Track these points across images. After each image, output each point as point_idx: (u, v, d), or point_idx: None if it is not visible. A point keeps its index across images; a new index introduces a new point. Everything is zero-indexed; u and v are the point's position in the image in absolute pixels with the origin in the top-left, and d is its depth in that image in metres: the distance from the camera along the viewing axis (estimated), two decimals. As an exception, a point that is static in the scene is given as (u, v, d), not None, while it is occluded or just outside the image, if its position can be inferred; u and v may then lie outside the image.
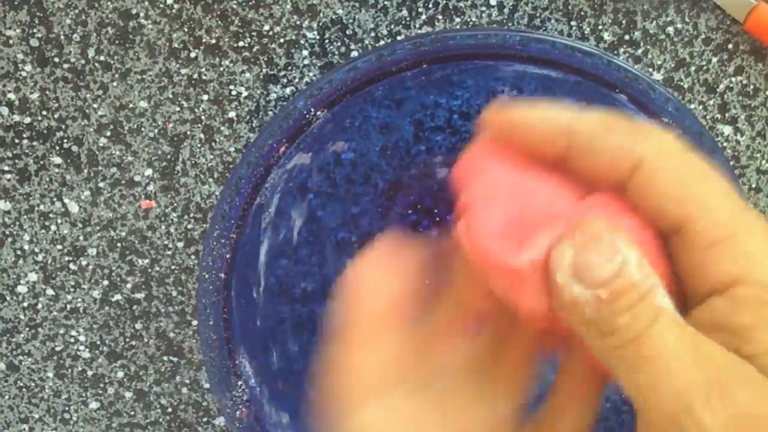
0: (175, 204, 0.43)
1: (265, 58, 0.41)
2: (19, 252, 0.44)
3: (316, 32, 0.41)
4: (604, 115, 0.20)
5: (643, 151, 0.19)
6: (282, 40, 0.41)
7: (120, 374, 0.45)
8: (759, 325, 0.18)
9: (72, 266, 0.44)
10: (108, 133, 0.42)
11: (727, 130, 0.41)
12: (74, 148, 0.42)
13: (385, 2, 0.40)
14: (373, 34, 0.41)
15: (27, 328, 0.45)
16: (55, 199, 0.43)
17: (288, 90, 0.41)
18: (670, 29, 0.40)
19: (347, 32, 0.41)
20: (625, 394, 0.19)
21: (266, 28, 0.41)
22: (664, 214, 0.19)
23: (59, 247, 0.43)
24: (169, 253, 0.43)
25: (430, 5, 0.40)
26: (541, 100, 0.21)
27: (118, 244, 0.43)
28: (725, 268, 0.19)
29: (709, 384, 0.17)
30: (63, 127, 0.42)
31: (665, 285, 0.19)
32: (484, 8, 0.40)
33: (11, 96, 0.41)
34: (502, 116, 0.21)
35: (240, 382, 0.38)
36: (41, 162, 0.42)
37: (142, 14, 0.40)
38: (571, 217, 0.20)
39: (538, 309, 0.20)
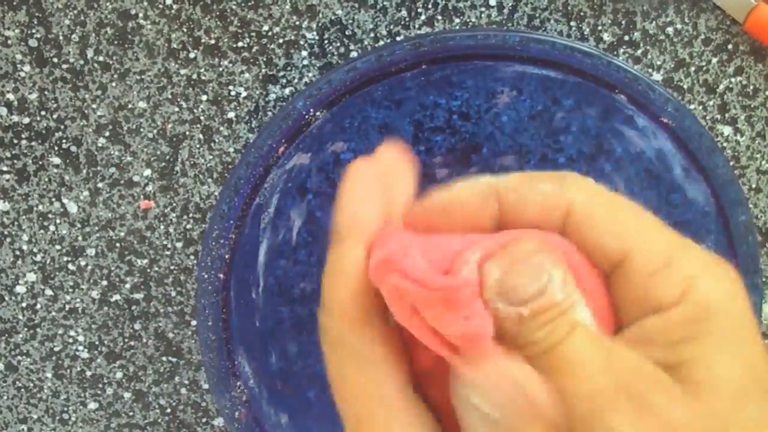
0: (174, 204, 0.43)
1: (265, 59, 0.41)
2: (17, 252, 0.43)
3: (315, 33, 0.41)
4: (520, 173, 0.21)
5: (572, 195, 0.20)
6: (281, 41, 0.41)
7: (119, 375, 0.45)
8: (687, 339, 0.19)
9: (71, 266, 0.44)
10: (107, 134, 0.42)
11: (727, 130, 0.41)
12: (73, 149, 0.42)
13: (385, 3, 0.40)
14: (372, 34, 0.41)
15: (26, 329, 0.45)
16: (53, 200, 0.43)
17: (287, 90, 0.41)
18: (670, 30, 0.40)
19: (346, 33, 0.41)
20: None
21: (265, 28, 0.41)
22: (603, 251, 0.20)
23: (58, 247, 0.43)
24: (168, 253, 0.43)
25: (430, 6, 0.40)
26: (454, 181, 0.22)
27: (117, 245, 0.43)
28: (664, 293, 0.19)
29: (618, 388, 0.18)
30: (62, 127, 0.42)
31: (593, 305, 0.20)
32: (483, 9, 0.40)
33: (10, 96, 0.41)
34: (427, 207, 0.22)
35: (239, 383, 0.38)
36: (40, 162, 0.42)
37: (141, 14, 0.40)
38: (496, 240, 0.20)
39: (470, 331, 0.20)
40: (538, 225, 0.21)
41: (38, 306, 0.44)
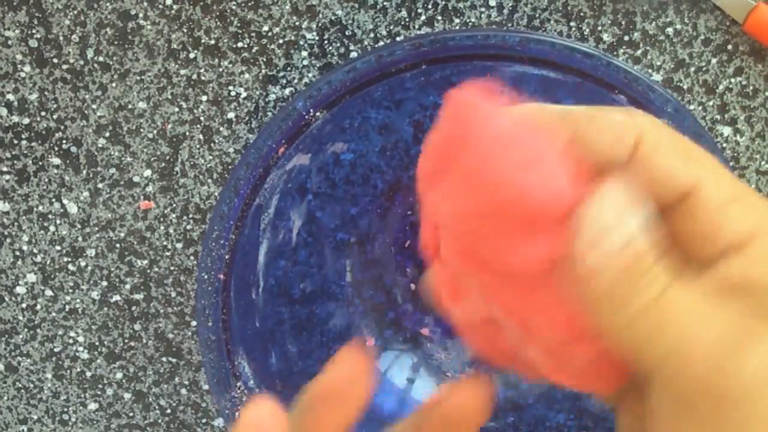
0: (174, 205, 0.43)
1: (264, 59, 0.41)
2: (17, 253, 0.43)
3: (315, 33, 0.41)
4: (591, 106, 0.21)
5: (642, 123, 0.20)
6: (281, 41, 0.41)
7: (119, 375, 0.45)
8: None
9: (71, 267, 0.44)
10: (107, 134, 0.42)
11: (727, 131, 0.41)
12: (73, 149, 0.42)
13: (385, 3, 0.40)
14: (372, 34, 0.41)
15: (26, 329, 0.45)
16: (53, 200, 0.43)
17: (287, 91, 0.41)
18: (670, 30, 0.40)
19: (346, 33, 0.41)
20: (640, 377, 0.18)
21: (265, 28, 0.41)
22: (673, 179, 0.19)
23: (58, 247, 0.43)
24: (168, 253, 0.43)
25: (430, 6, 0.40)
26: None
27: (117, 245, 0.43)
28: (740, 225, 0.19)
29: (737, 335, 0.17)
30: (62, 127, 0.42)
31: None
32: (483, 9, 0.40)
33: (10, 97, 0.41)
34: (501, 116, 0.21)
35: (239, 383, 0.38)
36: (40, 163, 0.42)
37: (141, 15, 0.40)
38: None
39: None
40: (610, 152, 0.20)
41: (38, 307, 0.44)
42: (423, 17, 0.40)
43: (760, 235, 0.18)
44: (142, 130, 0.42)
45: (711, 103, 0.41)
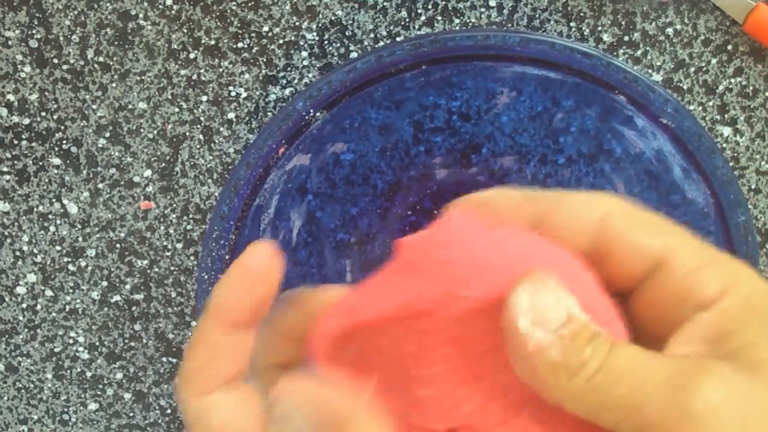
0: (174, 205, 0.43)
1: (265, 59, 0.41)
2: (18, 253, 0.43)
3: (315, 33, 0.41)
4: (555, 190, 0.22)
5: (604, 206, 0.20)
6: (281, 41, 0.41)
7: (119, 375, 0.45)
8: (741, 327, 0.19)
9: (71, 267, 0.44)
10: (107, 134, 0.42)
11: (727, 131, 0.41)
12: (73, 149, 0.42)
13: (385, 3, 0.40)
14: (372, 35, 0.41)
15: (26, 329, 0.45)
16: (54, 200, 0.43)
17: (287, 91, 0.41)
18: (670, 30, 0.40)
19: (346, 33, 0.41)
20: None
21: (265, 29, 0.41)
22: (643, 251, 0.20)
23: (58, 248, 0.43)
24: (168, 254, 0.43)
25: (430, 6, 0.40)
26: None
27: (117, 245, 0.43)
28: (711, 286, 0.19)
29: (688, 372, 0.18)
30: (62, 128, 0.42)
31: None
32: (483, 9, 0.40)
33: (10, 97, 0.41)
34: (467, 203, 0.22)
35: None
36: (40, 163, 0.42)
37: (141, 15, 0.40)
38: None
39: None
40: (574, 229, 0.21)
41: (38, 307, 0.44)
42: (423, 18, 0.40)
43: (729, 291, 0.19)
44: (142, 130, 0.42)
45: (711, 104, 0.41)
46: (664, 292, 0.20)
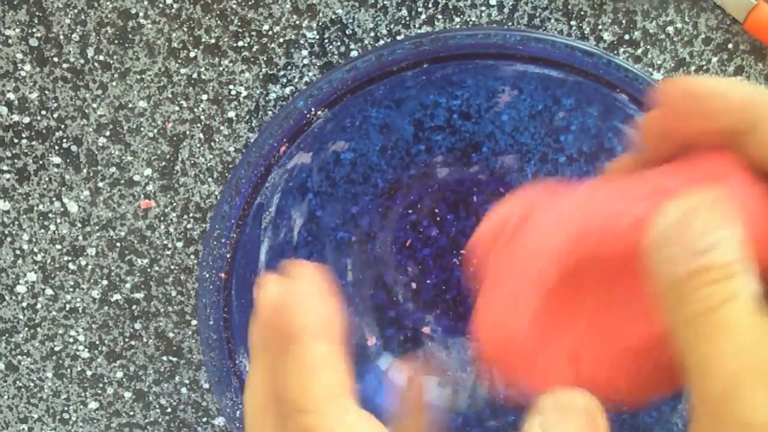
0: (175, 204, 0.43)
1: (265, 58, 0.41)
2: (18, 252, 0.43)
3: (315, 32, 0.41)
4: None
5: None
6: (281, 40, 0.41)
7: (119, 374, 0.45)
8: None
9: (71, 266, 0.44)
10: (107, 133, 0.42)
11: (727, 129, 0.41)
12: (73, 148, 0.42)
13: (385, 2, 0.40)
14: (372, 33, 0.41)
15: (26, 328, 0.45)
16: (54, 199, 0.43)
17: (287, 90, 0.41)
18: (670, 29, 0.40)
19: (347, 32, 0.41)
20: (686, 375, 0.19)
21: (266, 27, 0.41)
22: None
23: (58, 246, 0.43)
24: (169, 252, 0.43)
25: (430, 5, 0.40)
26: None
27: (118, 244, 0.43)
28: None
29: (762, 371, 0.17)
30: (62, 126, 0.42)
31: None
32: (483, 8, 0.40)
33: (10, 96, 0.41)
34: (682, 85, 0.21)
35: (240, 382, 0.38)
36: (40, 162, 0.42)
37: (141, 14, 0.40)
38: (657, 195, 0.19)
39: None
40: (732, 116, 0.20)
41: (39, 306, 0.44)
42: (423, 16, 0.40)
43: None
44: (142, 129, 0.42)
45: (711, 102, 0.41)
46: None
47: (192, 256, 0.43)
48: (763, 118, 0.20)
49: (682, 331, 0.18)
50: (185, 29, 0.41)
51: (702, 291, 0.18)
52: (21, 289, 0.44)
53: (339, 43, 0.41)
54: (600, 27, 0.40)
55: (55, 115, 0.42)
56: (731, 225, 0.18)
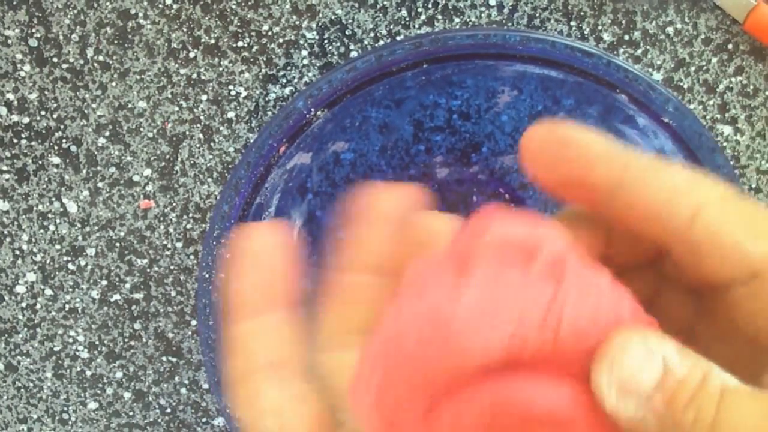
0: (174, 204, 0.43)
1: (265, 58, 0.41)
2: (17, 252, 0.43)
3: (315, 32, 0.41)
4: (657, 157, 0.19)
5: (703, 193, 0.18)
6: (281, 40, 0.41)
7: (119, 374, 0.45)
8: None
9: (71, 266, 0.44)
10: (107, 133, 0.42)
11: (727, 130, 0.41)
12: (73, 148, 0.42)
13: (385, 2, 0.40)
14: (372, 34, 0.41)
15: (25, 329, 0.45)
16: (53, 199, 0.43)
17: (287, 90, 0.41)
18: (670, 29, 0.40)
19: (346, 32, 0.41)
20: None
21: (265, 28, 0.41)
22: (741, 257, 0.17)
23: (58, 247, 0.43)
24: (168, 253, 0.43)
25: (430, 5, 0.40)
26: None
27: (117, 244, 0.43)
28: None
29: None
30: (62, 127, 0.42)
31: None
32: (483, 8, 0.40)
33: (10, 96, 0.41)
34: (554, 131, 0.19)
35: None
36: (40, 162, 0.42)
37: (141, 14, 0.40)
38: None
39: None
40: (656, 216, 0.18)
41: (38, 306, 0.44)
42: (423, 16, 0.40)
43: None
44: (142, 129, 0.42)
45: (711, 103, 0.41)
46: (760, 306, 0.17)
47: (191, 257, 0.43)
48: (634, 177, 0.18)
49: None
50: (185, 30, 0.41)
51: (687, 416, 0.16)
52: (20, 289, 0.44)
53: (339, 44, 0.41)
54: (600, 27, 0.40)
55: (55, 116, 0.42)
56: (660, 338, 0.17)
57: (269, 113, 0.42)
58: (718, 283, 0.18)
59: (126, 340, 0.45)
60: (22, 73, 0.41)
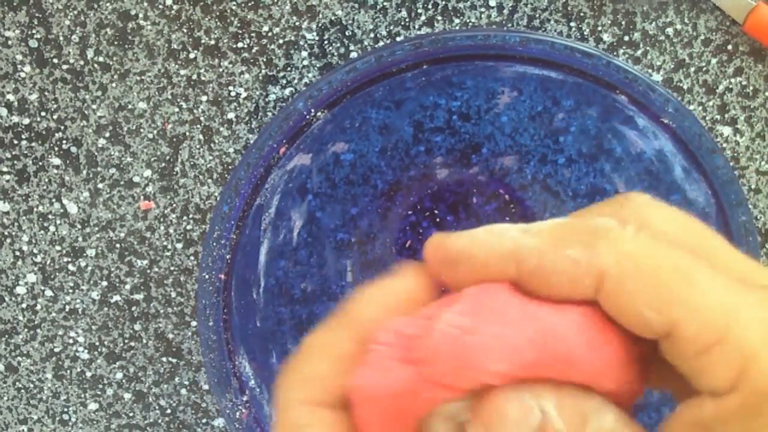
0: (174, 205, 0.43)
1: (264, 59, 0.41)
2: (17, 253, 0.43)
3: (315, 33, 0.41)
4: (552, 225, 0.18)
5: (604, 260, 0.17)
6: (281, 41, 0.41)
7: (119, 375, 0.45)
8: (746, 429, 0.17)
9: (71, 267, 0.44)
10: (107, 134, 0.42)
11: (727, 131, 0.41)
12: (73, 149, 0.42)
13: (385, 3, 0.40)
14: (372, 35, 0.41)
15: (26, 329, 0.45)
16: (54, 200, 0.43)
17: (287, 91, 0.41)
18: (670, 30, 0.40)
19: (346, 33, 0.41)
20: None
21: (265, 29, 0.41)
22: (645, 324, 0.17)
23: (58, 248, 0.43)
24: (168, 254, 0.43)
25: (430, 6, 0.40)
26: (480, 227, 0.19)
27: (117, 245, 0.43)
28: (720, 375, 0.17)
29: None
30: (62, 128, 0.42)
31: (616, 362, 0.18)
32: (483, 9, 0.40)
33: (10, 97, 0.41)
34: (441, 249, 0.19)
35: (239, 383, 0.38)
36: (40, 163, 0.42)
37: (141, 15, 0.40)
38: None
39: None
40: (566, 294, 0.18)
41: (38, 307, 0.44)
42: (423, 17, 0.40)
43: (738, 385, 0.17)
44: (142, 130, 0.42)
45: (711, 103, 0.41)
46: (676, 360, 0.17)
47: (192, 258, 0.43)
48: (530, 270, 0.18)
49: None
50: (185, 30, 0.41)
51: None
52: (21, 290, 0.44)
53: (338, 45, 0.41)
54: (599, 28, 0.40)
55: (55, 117, 0.42)
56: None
57: (269, 114, 0.42)
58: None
59: (126, 341, 0.45)
60: (23, 74, 0.41)
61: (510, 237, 0.18)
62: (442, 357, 0.17)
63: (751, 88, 0.41)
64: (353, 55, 0.41)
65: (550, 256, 0.18)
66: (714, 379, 0.17)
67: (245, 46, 0.41)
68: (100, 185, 0.42)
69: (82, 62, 0.41)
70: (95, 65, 0.41)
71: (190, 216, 0.43)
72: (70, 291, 0.44)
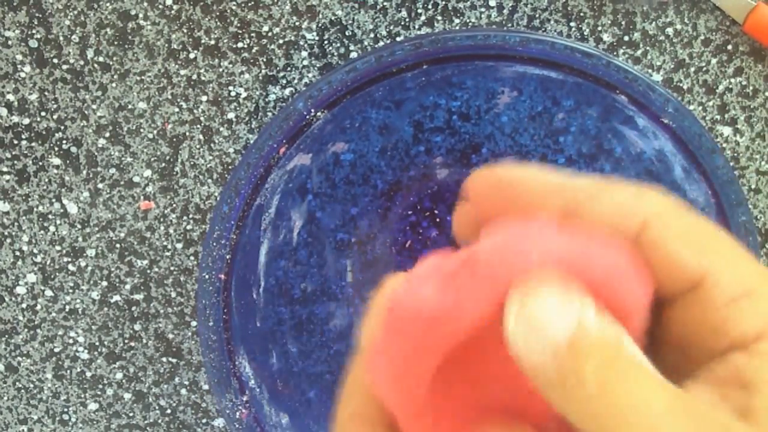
0: (174, 205, 0.43)
1: (264, 59, 0.41)
2: (17, 253, 0.43)
3: (315, 33, 0.41)
4: (599, 178, 0.19)
5: (649, 207, 0.18)
6: (281, 41, 0.41)
7: (119, 375, 0.45)
8: None
9: (71, 267, 0.44)
10: (107, 134, 0.42)
11: (727, 131, 0.41)
12: (73, 149, 0.42)
13: (385, 3, 0.40)
14: (372, 35, 0.41)
15: (26, 329, 0.45)
16: (54, 200, 0.43)
17: (287, 91, 0.41)
18: (670, 30, 0.40)
19: (346, 33, 0.41)
20: None
21: (265, 29, 0.41)
22: (680, 268, 0.18)
23: (58, 248, 0.43)
24: (168, 254, 0.43)
25: (430, 6, 0.40)
26: (529, 163, 0.20)
27: (117, 245, 0.43)
28: (749, 323, 0.17)
29: None
30: (62, 128, 0.42)
31: (634, 329, 0.18)
32: (483, 9, 0.40)
33: (10, 97, 0.41)
34: (491, 176, 0.20)
35: (239, 383, 0.38)
36: (40, 163, 0.42)
37: (141, 15, 0.40)
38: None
39: None
40: (612, 229, 0.18)
41: (38, 307, 0.44)
42: (423, 17, 0.40)
43: (765, 337, 0.17)
44: (142, 130, 0.42)
45: (711, 104, 0.41)
46: (699, 317, 0.18)
47: (192, 258, 0.43)
48: (582, 201, 0.19)
49: (584, 411, 0.16)
50: (185, 30, 0.41)
51: (589, 366, 0.16)
52: (21, 290, 0.44)
53: (338, 45, 0.41)
54: (599, 28, 0.40)
55: (55, 117, 0.42)
56: (583, 293, 0.17)
57: (269, 114, 0.42)
58: (667, 297, 0.19)
59: (126, 341, 0.45)
60: (23, 74, 0.41)
61: (563, 178, 0.19)
62: (484, 265, 0.17)
63: (751, 88, 0.41)
64: (353, 55, 0.41)
65: (603, 190, 0.19)
66: (741, 328, 0.17)
67: (245, 46, 0.41)
68: (100, 185, 0.42)
69: (82, 62, 0.41)
70: (95, 65, 0.41)
71: (190, 216, 0.43)
72: (70, 291, 0.44)
